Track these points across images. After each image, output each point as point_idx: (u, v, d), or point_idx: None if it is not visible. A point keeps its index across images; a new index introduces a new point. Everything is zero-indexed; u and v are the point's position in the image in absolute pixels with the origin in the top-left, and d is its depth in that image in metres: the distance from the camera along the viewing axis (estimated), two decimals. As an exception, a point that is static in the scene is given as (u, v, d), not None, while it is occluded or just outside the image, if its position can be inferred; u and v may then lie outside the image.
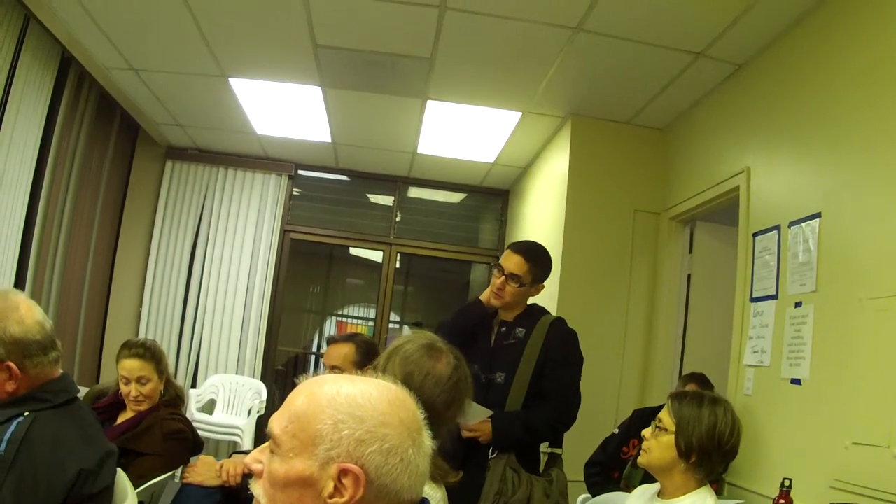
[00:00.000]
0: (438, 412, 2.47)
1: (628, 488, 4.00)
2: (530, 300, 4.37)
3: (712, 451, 2.86)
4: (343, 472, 1.46)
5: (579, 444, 4.74)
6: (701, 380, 4.89)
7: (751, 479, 4.26)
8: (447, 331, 4.17)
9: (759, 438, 4.25)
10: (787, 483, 3.55)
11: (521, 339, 4.15)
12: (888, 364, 3.22)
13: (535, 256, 4.24)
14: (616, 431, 4.83)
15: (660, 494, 3.04)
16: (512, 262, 4.18)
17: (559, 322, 4.25)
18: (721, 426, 2.87)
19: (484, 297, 4.33)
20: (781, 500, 3.56)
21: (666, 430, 2.94)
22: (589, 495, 4.37)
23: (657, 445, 2.96)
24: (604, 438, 4.88)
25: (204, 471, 3.32)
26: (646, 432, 3.06)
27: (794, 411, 3.92)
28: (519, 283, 4.14)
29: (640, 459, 3.09)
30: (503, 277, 4.17)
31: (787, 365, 4.04)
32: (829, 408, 3.61)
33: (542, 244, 4.42)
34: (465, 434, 3.94)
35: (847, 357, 3.52)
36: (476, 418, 3.94)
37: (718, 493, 4.30)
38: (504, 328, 4.26)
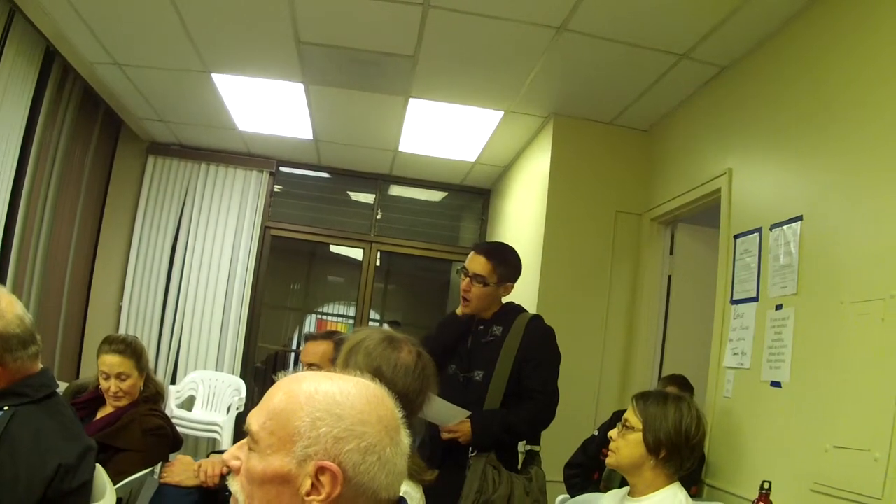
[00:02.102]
0: (412, 401, 2.51)
1: (607, 490, 4.02)
2: (505, 299, 4.38)
3: (681, 445, 2.95)
4: (320, 470, 1.46)
5: (558, 444, 4.76)
6: (681, 382, 4.91)
7: (730, 481, 4.27)
8: (430, 345, 4.18)
9: (739, 441, 4.26)
10: (766, 486, 3.57)
11: (499, 337, 4.16)
12: (869, 367, 3.23)
13: (500, 256, 4.26)
14: (596, 433, 4.83)
15: (630, 494, 3.08)
16: (475, 263, 4.20)
17: (536, 319, 4.26)
18: (687, 421, 2.98)
19: (460, 311, 4.35)
20: (761, 503, 3.57)
21: (633, 428, 3.02)
22: (567, 496, 4.38)
23: (625, 444, 3.05)
24: (584, 440, 4.89)
25: (181, 470, 3.31)
26: (612, 433, 3.14)
27: (775, 414, 3.92)
28: (483, 283, 4.16)
29: (608, 460, 3.15)
30: (467, 279, 4.20)
31: (767, 367, 4.05)
32: (809, 410, 3.62)
33: (511, 244, 4.44)
34: (445, 436, 3.95)
35: (828, 360, 3.53)
36: (455, 419, 3.94)
37: (698, 494, 4.33)
38: (481, 327, 4.27)
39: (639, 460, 2.99)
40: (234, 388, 8.24)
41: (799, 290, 3.86)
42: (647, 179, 6.25)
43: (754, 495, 3.64)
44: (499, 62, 5.52)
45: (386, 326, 11.61)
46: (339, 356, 2.65)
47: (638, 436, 2.99)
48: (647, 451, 2.96)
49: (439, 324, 4.52)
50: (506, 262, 4.25)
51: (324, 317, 13.01)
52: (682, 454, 2.96)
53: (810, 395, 3.63)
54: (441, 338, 4.37)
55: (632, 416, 3.06)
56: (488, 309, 4.27)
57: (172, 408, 7.69)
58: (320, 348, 3.74)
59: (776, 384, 3.93)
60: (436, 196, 9.62)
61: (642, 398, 3.11)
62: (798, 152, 4.10)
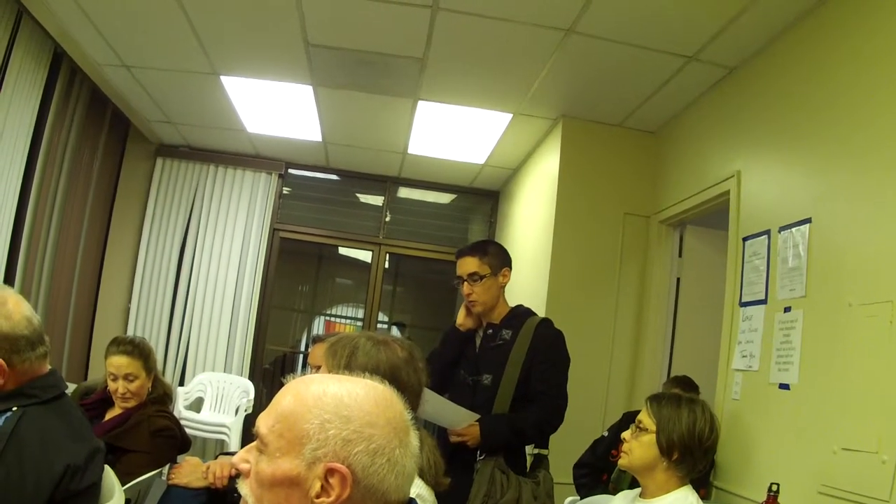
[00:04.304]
0: (417, 397, 2.49)
1: (616, 491, 4.02)
2: (513, 301, 4.39)
3: (694, 448, 2.97)
4: (330, 472, 1.46)
5: (566, 446, 4.74)
6: (685, 382, 4.90)
7: (738, 483, 4.26)
8: (437, 360, 4.22)
9: (747, 443, 4.25)
10: (774, 488, 3.57)
11: (508, 341, 4.16)
12: (877, 369, 3.22)
13: (480, 247, 4.34)
14: (605, 434, 4.82)
15: (641, 495, 3.09)
16: (463, 266, 4.29)
17: (546, 323, 4.27)
18: (700, 424, 3.00)
19: (459, 320, 4.39)
20: (769, 505, 3.57)
21: (646, 429, 3.04)
22: (576, 497, 4.38)
23: (638, 445, 3.06)
24: (593, 440, 4.88)
25: (189, 472, 3.32)
26: (626, 434, 3.15)
27: (783, 416, 3.91)
28: (479, 278, 4.21)
29: (621, 461, 3.16)
30: (465, 283, 4.25)
31: (775, 370, 4.04)
32: (817, 413, 3.60)
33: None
34: (454, 439, 3.95)
35: (836, 362, 3.52)
36: (463, 422, 3.95)
37: (706, 497, 4.32)
38: (490, 330, 4.28)
39: (651, 462, 3.00)
40: (243, 389, 8.25)
41: (807, 293, 3.85)
42: (656, 181, 6.24)
43: (762, 497, 3.63)
44: (507, 64, 5.52)
45: (395, 329, 11.65)
46: (332, 361, 2.50)
47: (651, 437, 3.00)
48: (660, 452, 2.97)
49: (442, 338, 4.56)
50: (489, 251, 4.30)
51: (332, 319, 13.00)
52: (695, 456, 2.97)
53: (818, 398, 3.62)
54: (446, 351, 4.41)
55: (646, 418, 3.07)
56: (495, 304, 4.29)
57: (181, 409, 7.71)
58: (327, 350, 3.73)
59: (784, 386, 3.92)
60: (444, 198, 9.61)
61: (656, 400, 3.12)
62: (806, 154, 4.09)
